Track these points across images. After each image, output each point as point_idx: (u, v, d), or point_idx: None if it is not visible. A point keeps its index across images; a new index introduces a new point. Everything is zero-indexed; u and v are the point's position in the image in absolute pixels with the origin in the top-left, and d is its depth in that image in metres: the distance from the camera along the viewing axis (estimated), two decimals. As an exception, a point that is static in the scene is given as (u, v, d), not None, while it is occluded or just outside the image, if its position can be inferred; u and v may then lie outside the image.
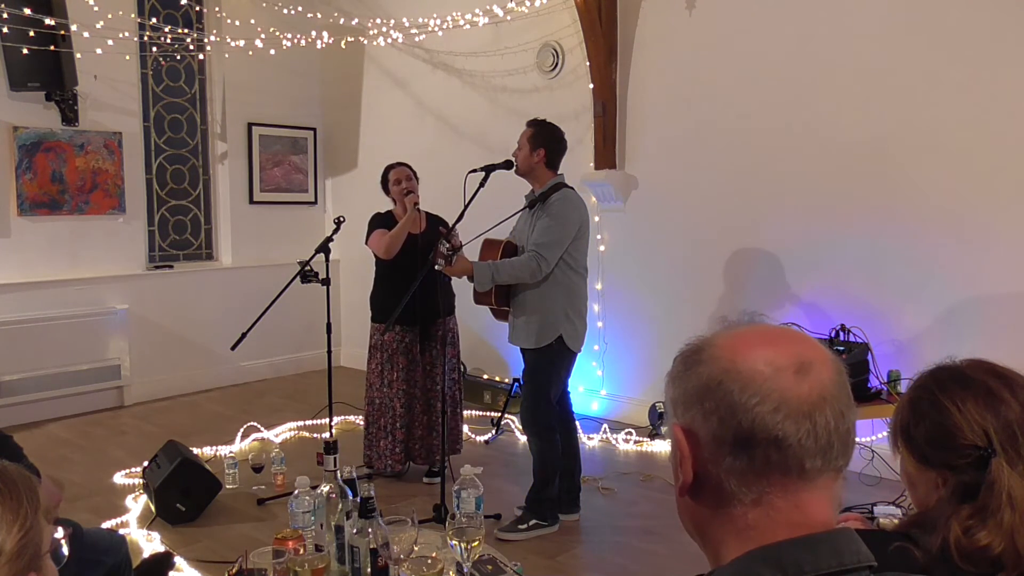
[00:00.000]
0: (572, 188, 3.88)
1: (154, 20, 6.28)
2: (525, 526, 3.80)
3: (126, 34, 5.88)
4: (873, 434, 4.39)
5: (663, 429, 5.19)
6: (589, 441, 5.18)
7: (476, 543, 2.22)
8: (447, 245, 3.73)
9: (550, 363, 3.82)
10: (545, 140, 3.81)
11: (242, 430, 5.20)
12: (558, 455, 3.89)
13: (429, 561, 2.22)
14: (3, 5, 5.26)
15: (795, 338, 0.93)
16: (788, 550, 0.85)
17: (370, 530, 2.28)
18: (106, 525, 3.80)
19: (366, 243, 4.47)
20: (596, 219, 5.60)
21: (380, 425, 4.42)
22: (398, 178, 4.44)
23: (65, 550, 1.10)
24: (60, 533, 1.08)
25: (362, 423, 4.49)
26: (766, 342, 0.91)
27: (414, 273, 4.16)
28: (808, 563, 0.84)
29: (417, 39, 6.57)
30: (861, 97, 4.50)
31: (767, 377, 0.87)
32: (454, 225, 3.85)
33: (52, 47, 5.43)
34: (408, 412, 4.39)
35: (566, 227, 3.73)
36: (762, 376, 0.87)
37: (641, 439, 5.20)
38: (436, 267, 3.72)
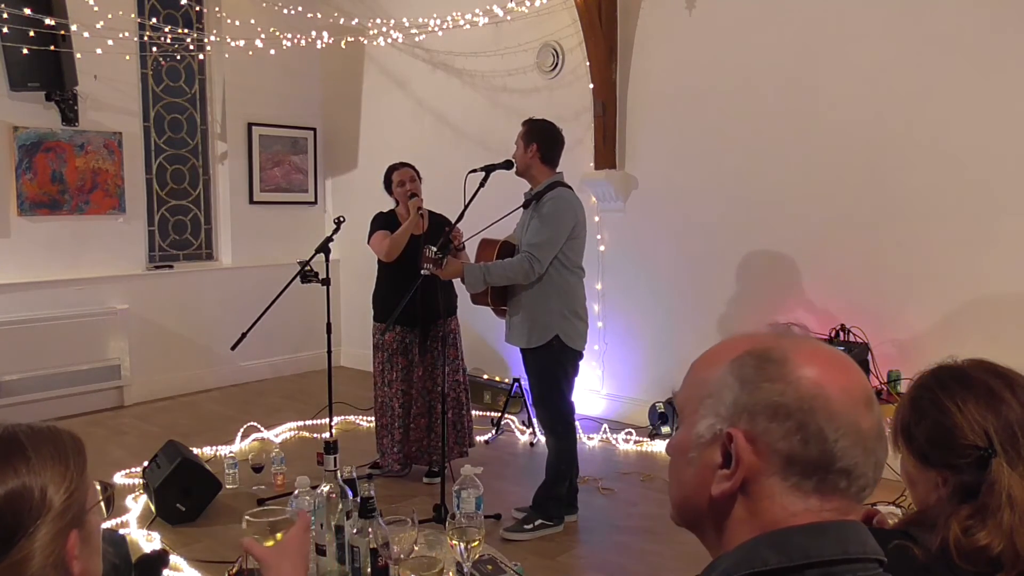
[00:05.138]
0: (570, 187, 3.85)
1: (154, 20, 6.28)
2: (531, 526, 3.79)
3: (126, 34, 5.88)
4: (873, 434, 4.39)
5: (663, 429, 5.19)
6: (589, 441, 5.18)
7: (476, 543, 2.21)
8: (433, 250, 3.66)
9: (554, 363, 3.81)
10: (537, 135, 3.79)
11: (242, 430, 5.19)
12: (574, 453, 3.89)
13: (429, 561, 2.22)
14: (3, 5, 5.26)
15: (854, 365, 0.95)
16: (796, 536, 0.87)
17: (370, 530, 2.28)
18: (106, 525, 3.79)
19: (368, 242, 4.47)
20: (596, 219, 5.60)
21: (383, 423, 4.47)
22: (402, 179, 4.44)
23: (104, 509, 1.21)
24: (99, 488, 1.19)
25: (362, 423, 4.50)
26: (840, 369, 0.92)
27: (415, 273, 4.16)
28: (813, 550, 0.86)
29: (417, 39, 6.57)
30: (861, 97, 4.51)
31: (848, 409, 0.89)
32: (454, 225, 3.85)
33: (52, 47, 5.43)
34: (406, 413, 4.40)
35: (559, 227, 3.69)
36: (844, 408, 0.89)
37: (641, 439, 5.19)
38: (423, 272, 3.66)
